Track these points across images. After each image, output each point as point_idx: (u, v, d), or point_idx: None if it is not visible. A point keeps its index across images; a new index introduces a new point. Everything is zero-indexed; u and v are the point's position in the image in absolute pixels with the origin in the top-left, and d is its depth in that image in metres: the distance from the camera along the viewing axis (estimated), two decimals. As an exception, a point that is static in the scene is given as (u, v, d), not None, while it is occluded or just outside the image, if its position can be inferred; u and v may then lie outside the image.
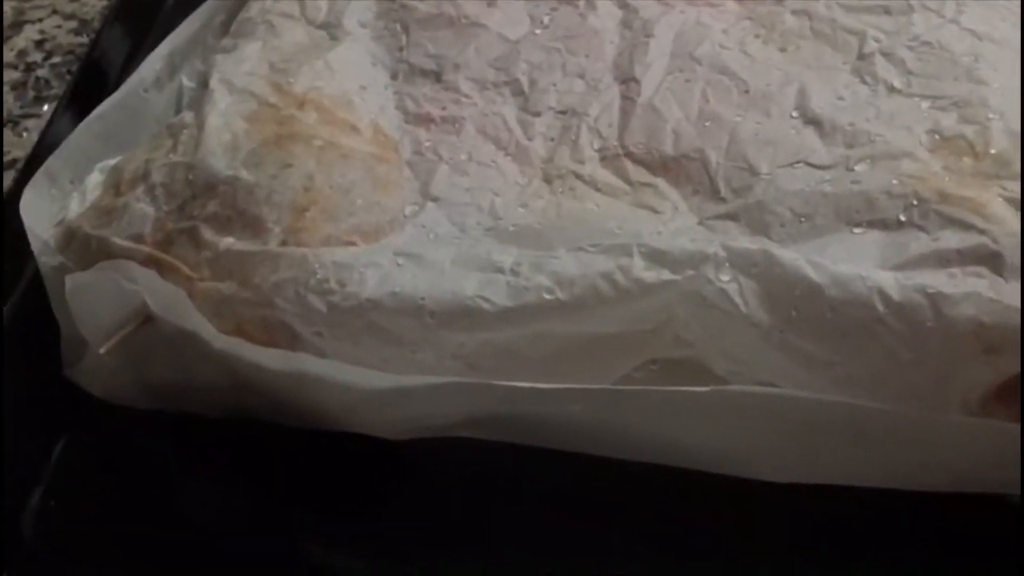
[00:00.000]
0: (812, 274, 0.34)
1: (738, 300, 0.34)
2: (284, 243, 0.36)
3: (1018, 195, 0.35)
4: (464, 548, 0.38)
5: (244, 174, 0.38)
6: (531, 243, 0.37)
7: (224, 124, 0.40)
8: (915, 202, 0.36)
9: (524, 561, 0.38)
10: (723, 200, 0.38)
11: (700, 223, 0.38)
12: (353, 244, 0.37)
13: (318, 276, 0.35)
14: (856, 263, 0.35)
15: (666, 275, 0.34)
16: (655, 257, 0.35)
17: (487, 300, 0.35)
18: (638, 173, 0.40)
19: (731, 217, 0.38)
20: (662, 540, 0.38)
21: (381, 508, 0.40)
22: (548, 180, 0.41)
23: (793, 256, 0.34)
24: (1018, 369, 0.33)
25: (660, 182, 0.40)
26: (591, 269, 0.35)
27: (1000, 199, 0.35)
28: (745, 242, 0.35)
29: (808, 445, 0.35)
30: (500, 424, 0.38)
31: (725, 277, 0.34)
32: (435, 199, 0.40)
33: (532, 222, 0.39)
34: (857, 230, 0.36)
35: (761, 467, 0.37)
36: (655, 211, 0.39)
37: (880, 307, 0.33)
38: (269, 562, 0.38)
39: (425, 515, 0.39)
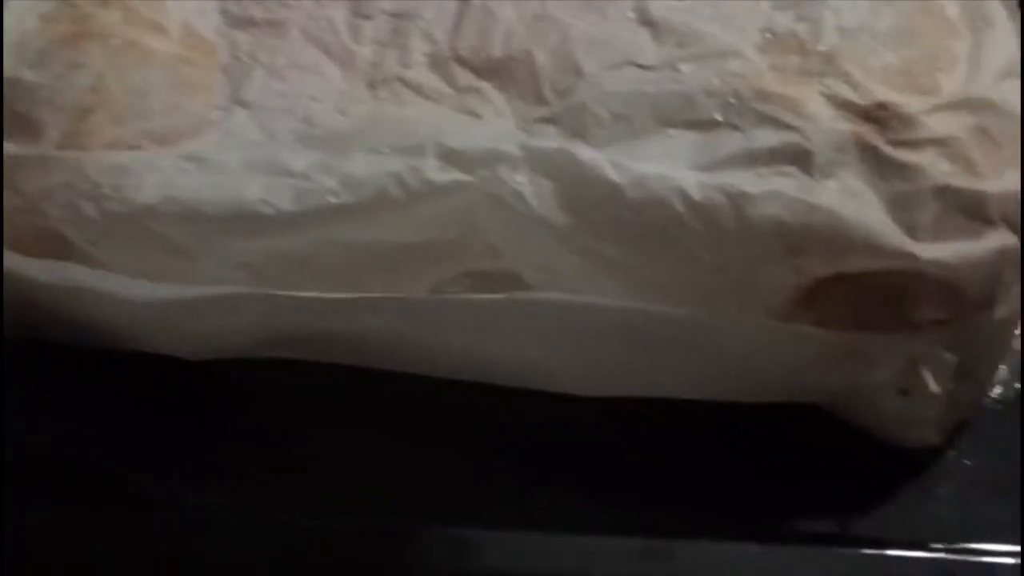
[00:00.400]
0: (611, 174, 0.32)
1: (534, 202, 0.32)
2: (61, 147, 0.34)
3: (838, 92, 0.33)
4: (279, 470, 0.37)
5: (27, 74, 0.36)
6: (334, 148, 0.35)
7: (15, 23, 0.37)
8: (732, 101, 0.34)
9: (339, 481, 0.36)
10: (546, 103, 0.36)
11: (520, 127, 0.36)
12: (139, 149, 0.35)
13: (92, 181, 0.33)
14: (666, 164, 0.33)
15: (459, 176, 0.32)
16: (449, 157, 0.33)
17: (269, 204, 0.33)
18: (465, 77, 0.38)
19: (551, 121, 0.35)
20: (476, 458, 0.36)
21: (200, 432, 0.38)
22: (372, 86, 0.38)
23: (592, 155, 0.32)
24: (825, 271, 0.31)
25: (486, 86, 0.37)
26: (381, 170, 0.33)
27: (820, 96, 0.33)
28: (545, 141, 0.33)
29: (610, 355, 0.34)
30: (301, 341, 0.36)
31: (521, 178, 0.32)
32: (245, 104, 0.37)
33: (347, 129, 0.37)
34: (673, 131, 0.34)
35: (566, 380, 0.35)
36: (476, 116, 0.37)
37: (680, 207, 0.31)
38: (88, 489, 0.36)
39: (241, 438, 0.38)
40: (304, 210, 0.32)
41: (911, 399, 0.33)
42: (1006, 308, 0.32)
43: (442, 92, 0.37)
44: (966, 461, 0.36)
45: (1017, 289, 0.33)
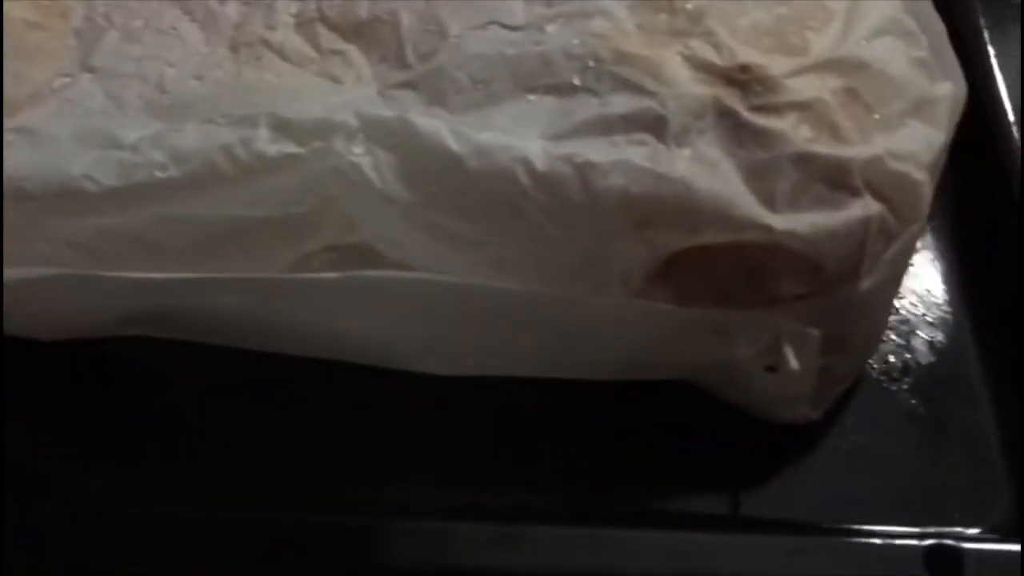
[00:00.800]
0: (453, 144, 0.30)
1: (372, 175, 0.30)
2: None
3: (700, 54, 0.31)
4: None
5: None
6: (178, 117, 0.33)
7: None
8: (592, 63, 0.32)
9: (195, 459, 0.35)
10: (408, 67, 0.34)
11: (379, 92, 0.34)
12: (-26, 122, 0.33)
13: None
14: (521, 132, 0.31)
15: (291, 148, 0.31)
16: (281, 128, 0.31)
17: (93, 180, 0.31)
18: (330, 40, 0.36)
19: (411, 86, 0.34)
20: (349, 435, 0.35)
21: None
22: (234, 49, 0.36)
23: (434, 125, 0.30)
24: (679, 245, 0.30)
25: (351, 49, 0.35)
26: (211, 143, 0.31)
27: (679, 58, 0.32)
28: (383, 109, 0.31)
29: (463, 334, 0.32)
30: (153, 320, 0.34)
31: (358, 149, 0.30)
32: (93, 70, 0.35)
33: (201, 95, 0.35)
34: (532, 96, 0.32)
35: (422, 359, 0.33)
36: (337, 81, 0.35)
37: (524, 179, 0.30)
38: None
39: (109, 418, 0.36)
40: (129, 186, 0.31)
41: (779, 375, 0.32)
42: (874, 279, 0.31)
43: (305, 55, 0.36)
44: (850, 436, 0.35)
45: (888, 259, 0.31)
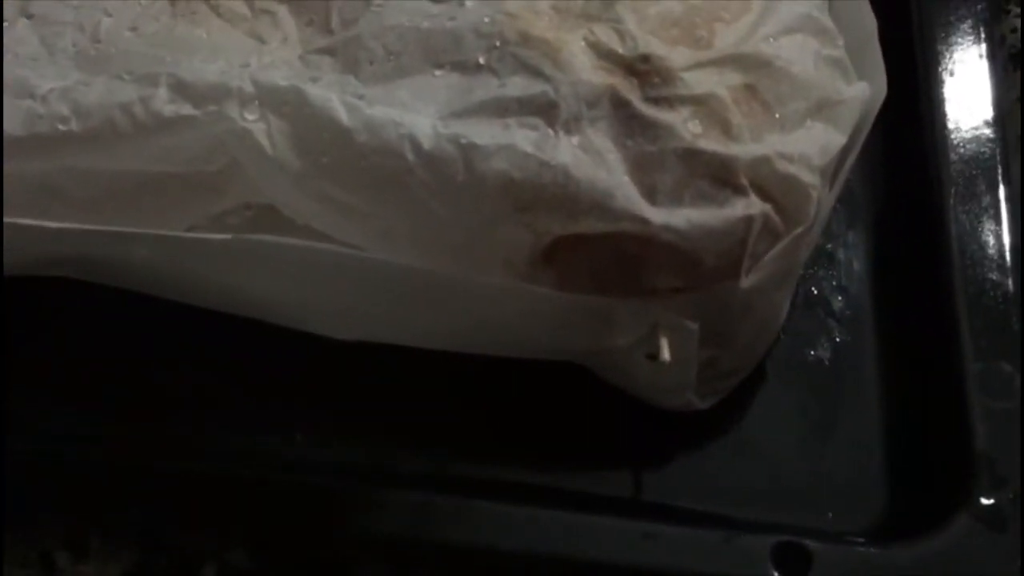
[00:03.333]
0: (343, 117, 0.31)
1: (264, 142, 0.31)
2: None
3: (603, 40, 0.32)
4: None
5: None
6: (97, 69, 0.34)
7: None
8: (498, 43, 0.32)
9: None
10: (331, 33, 0.35)
11: (300, 57, 0.34)
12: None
13: None
14: (419, 107, 0.31)
15: (187, 110, 0.31)
16: (180, 89, 0.31)
17: (-2, 128, 0.32)
18: (265, 0, 0.36)
19: (330, 52, 0.34)
20: (253, 390, 0.36)
21: None
22: (173, 1, 0.37)
23: (325, 96, 0.31)
24: (560, 231, 0.30)
25: (282, 10, 0.36)
26: (112, 99, 0.32)
27: (582, 43, 0.32)
28: (278, 77, 0.31)
29: (354, 303, 0.33)
30: (79, 265, 0.35)
31: (251, 116, 0.31)
32: (31, 16, 0.36)
33: (131, 48, 0.35)
34: (439, 72, 0.32)
35: (325, 323, 0.34)
36: (263, 41, 0.35)
37: (410, 156, 0.30)
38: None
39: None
40: (31, 136, 0.31)
41: (660, 364, 0.32)
42: (756, 277, 0.31)
43: (238, 14, 0.36)
44: (740, 428, 0.36)
45: (772, 258, 0.31)
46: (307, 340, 0.35)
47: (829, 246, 0.38)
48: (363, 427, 0.36)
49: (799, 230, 0.31)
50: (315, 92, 0.31)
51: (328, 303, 0.34)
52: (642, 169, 0.30)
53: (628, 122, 0.30)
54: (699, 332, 0.31)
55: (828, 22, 0.34)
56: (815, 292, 0.38)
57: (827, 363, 0.37)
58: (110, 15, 0.36)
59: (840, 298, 0.38)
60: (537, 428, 0.35)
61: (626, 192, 0.30)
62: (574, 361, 0.35)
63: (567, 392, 0.36)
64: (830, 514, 0.33)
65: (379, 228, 0.31)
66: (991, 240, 0.36)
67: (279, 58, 0.34)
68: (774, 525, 0.31)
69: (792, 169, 0.31)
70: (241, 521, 0.34)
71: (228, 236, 0.31)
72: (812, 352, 0.37)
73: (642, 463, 0.34)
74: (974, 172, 0.37)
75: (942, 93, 0.38)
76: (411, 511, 0.32)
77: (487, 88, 0.31)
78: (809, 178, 0.31)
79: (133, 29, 0.36)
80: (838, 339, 0.37)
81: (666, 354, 0.31)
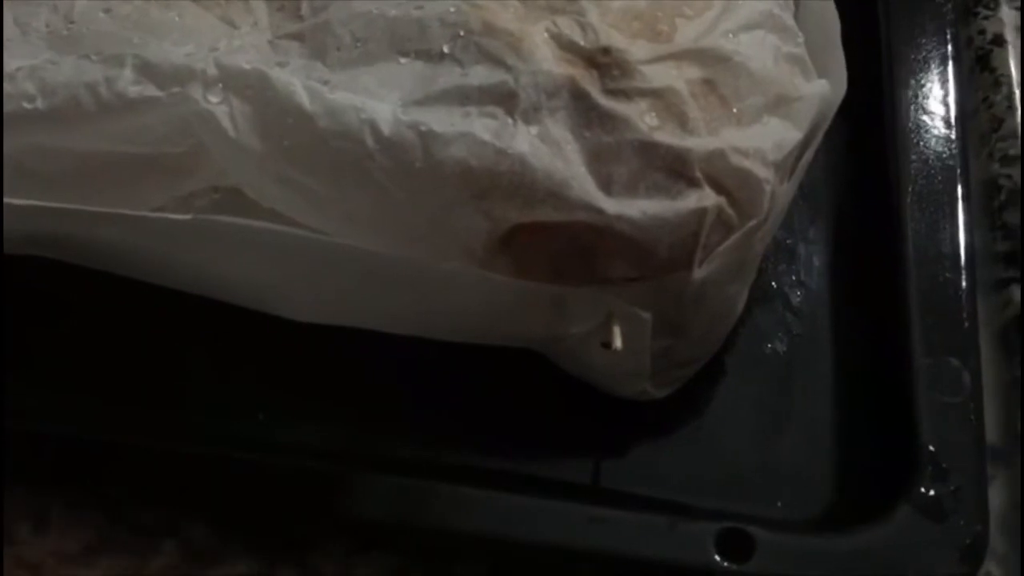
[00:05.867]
0: (305, 102, 0.31)
1: (227, 124, 0.31)
2: None
3: (565, 32, 0.32)
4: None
5: None
6: (67, 49, 0.34)
7: None
8: (462, 32, 0.32)
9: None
10: (301, 18, 0.35)
11: (270, 42, 0.35)
12: None
13: None
14: (383, 94, 0.32)
15: (151, 91, 0.32)
16: (145, 70, 0.32)
17: (-35, 105, 0.32)
18: (237, -17, 0.37)
19: (299, 37, 0.34)
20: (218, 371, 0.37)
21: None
22: None
23: (288, 80, 0.31)
24: (517, 219, 0.31)
25: (255, -6, 0.36)
26: (79, 78, 0.32)
27: (545, 35, 0.32)
28: (242, 60, 0.32)
29: (316, 286, 0.33)
30: (50, 245, 0.36)
31: (215, 98, 0.31)
32: (5, -3, 0.37)
33: (103, 29, 0.36)
34: (404, 59, 0.33)
35: (288, 306, 0.35)
36: (234, 26, 0.36)
37: (370, 142, 0.31)
38: None
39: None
40: (-5, 113, 0.32)
41: (614, 352, 0.33)
42: (709, 269, 0.32)
43: (212, -2, 0.37)
44: (696, 417, 0.36)
45: (725, 250, 0.32)
46: (271, 321, 0.36)
47: (790, 241, 0.39)
48: (325, 409, 0.36)
49: (752, 223, 0.32)
50: (278, 76, 0.31)
51: (291, 286, 0.34)
52: (599, 160, 0.31)
53: (587, 113, 0.31)
54: (653, 322, 0.32)
55: (789, 19, 0.34)
56: (774, 286, 0.38)
57: (783, 356, 0.37)
58: (84, -5, 0.37)
59: (799, 292, 0.38)
60: (494, 413, 0.36)
61: (582, 182, 0.30)
62: (532, 348, 0.35)
63: (526, 378, 0.36)
64: (779, 503, 0.34)
65: (341, 212, 0.32)
66: (946, 239, 0.36)
67: (249, 42, 0.35)
68: (719, 512, 0.32)
69: (746, 163, 0.31)
70: (201, 497, 0.35)
71: (189, 216, 0.32)
72: (769, 345, 0.38)
73: (597, 450, 0.35)
74: (932, 171, 0.37)
75: (905, 93, 0.39)
76: (368, 491, 0.33)
77: (450, 76, 0.32)
78: (763, 172, 0.31)
79: (107, 11, 0.36)
80: (795, 332, 0.38)
81: (618, 343, 0.31)
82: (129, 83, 0.32)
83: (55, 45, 0.35)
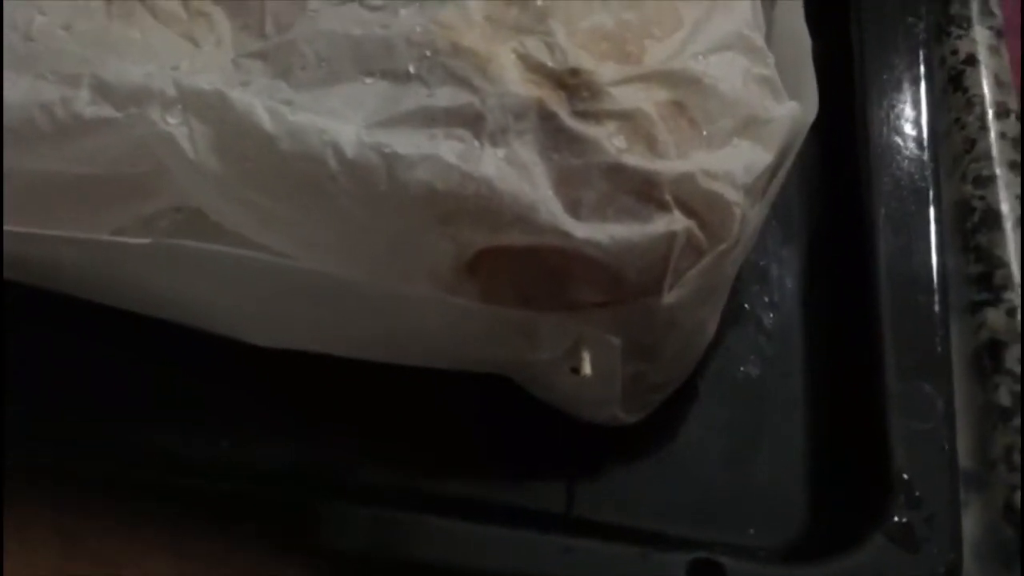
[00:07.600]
0: (266, 123, 0.30)
1: (186, 146, 0.31)
2: None
3: (533, 53, 0.32)
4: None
5: None
6: (23, 68, 0.34)
7: None
8: (428, 53, 0.32)
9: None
10: (264, 37, 0.34)
11: (233, 60, 0.34)
12: None
13: None
14: (347, 114, 0.31)
15: (108, 112, 0.31)
16: (102, 90, 0.31)
17: (-82, 126, 0.31)
18: (199, 2, 0.36)
19: (262, 56, 0.34)
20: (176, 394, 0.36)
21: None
22: (109, 0, 0.37)
23: (248, 101, 0.31)
24: (483, 243, 0.30)
25: (217, 12, 0.36)
26: (34, 98, 0.31)
27: (513, 56, 0.32)
28: (202, 81, 0.31)
29: (276, 311, 0.33)
30: (11, 266, 0.35)
31: (174, 119, 0.31)
32: (-38, 14, 0.36)
33: (62, 47, 0.35)
34: (369, 79, 0.32)
35: (250, 330, 0.34)
36: (196, 44, 0.35)
37: (333, 164, 0.30)
38: None
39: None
40: (-49, 134, 0.31)
41: (584, 378, 0.32)
42: (679, 293, 0.31)
43: (174, 15, 0.36)
44: (668, 442, 0.36)
45: (695, 274, 0.31)
46: (235, 346, 0.35)
47: (763, 263, 0.39)
48: (289, 435, 0.35)
49: (723, 247, 0.31)
50: (238, 97, 0.31)
51: (253, 310, 0.33)
52: (567, 183, 0.30)
53: (555, 135, 0.30)
54: (623, 347, 0.31)
55: (760, 41, 0.34)
56: (747, 307, 0.38)
57: (756, 379, 0.37)
58: (44, 14, 0.36)
59: (771, 315, 0.38)
60: (464, 440, 0.35)
61: (549, 206, 0.30)
62: (501, 373, 0.35)
63: (495, 404, 0.36)
64: (751, 530, 0.34)
65: (304, 235, 0.31)
66: (919, 261, 0.36)
67: (211, 61, 0.34)
68: (691, 540, 0.31)
69: (716, 186, 0.31)
70: (161, 526, 0.34)
71: (147, 240, 0.31)
72: (742, 368, 0.37)
73: (568, 477, 0.34)
74: (905, 193, 0.37)
75: (877, 114, 0.39)
76: (331, 519, 0.32)
77: (416, 97, 0.31)
78: (733, 196, 0.31)
79: (67, 28, 0.36)
80: (768, 355, 0.37)
81: (588, 368, 0.31)
82: (85, 104, 0.31)
83: (12, 64, 0.34)
